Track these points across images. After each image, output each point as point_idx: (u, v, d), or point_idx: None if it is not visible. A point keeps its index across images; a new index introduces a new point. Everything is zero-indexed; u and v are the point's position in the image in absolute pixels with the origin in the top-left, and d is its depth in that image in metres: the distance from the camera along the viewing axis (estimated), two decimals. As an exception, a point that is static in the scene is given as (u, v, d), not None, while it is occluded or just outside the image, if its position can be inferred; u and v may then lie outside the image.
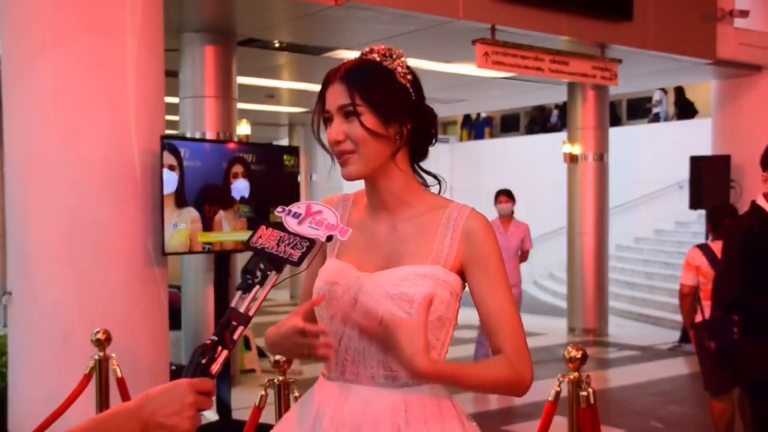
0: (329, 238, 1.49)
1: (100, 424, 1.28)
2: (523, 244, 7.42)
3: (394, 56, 1.69)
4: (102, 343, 3.88)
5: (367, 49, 1.72)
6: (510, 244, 7.23)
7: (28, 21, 4.62)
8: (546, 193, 14.45)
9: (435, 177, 1.79)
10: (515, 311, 1.68)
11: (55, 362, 4.57)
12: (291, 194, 5.49)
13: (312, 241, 1.47)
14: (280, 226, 1.49)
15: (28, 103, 4.65)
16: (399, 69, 1.68)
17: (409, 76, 1.69)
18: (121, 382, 3.88)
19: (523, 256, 7.51)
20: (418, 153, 1.76)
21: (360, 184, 1.79)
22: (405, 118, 1.67)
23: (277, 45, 8.34)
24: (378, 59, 1.68)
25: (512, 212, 7.48)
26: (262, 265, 1.43)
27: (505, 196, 7.42)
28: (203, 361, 1.36)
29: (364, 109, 1.63)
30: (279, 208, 1.52)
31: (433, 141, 1.76)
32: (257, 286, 1.42)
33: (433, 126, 1.76)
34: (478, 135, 19.76)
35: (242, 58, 7.75)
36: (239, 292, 1.42)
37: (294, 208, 1.52)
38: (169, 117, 5.45)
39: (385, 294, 1.64)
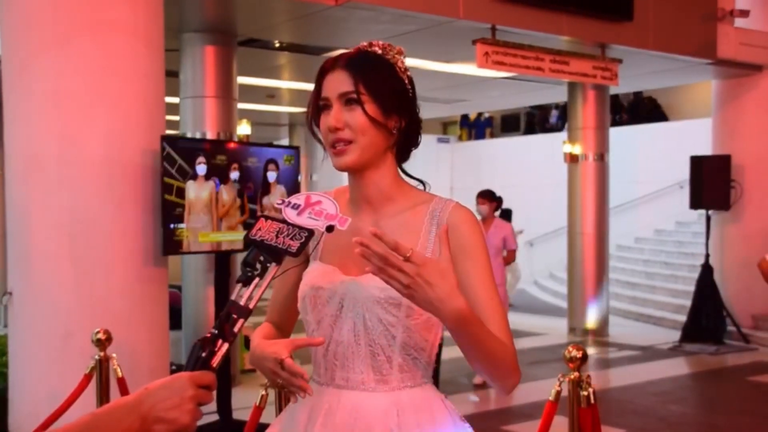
0: (329, 228, 1.48)
1: (100, 419, 1.27)
2: (506, 244, 7.36)
3: (395, 51, 1.69)
4: (102, 343, 3.87)
5: (365, 43, 1.71)
6: (490, 243, 7.19)
7: (28, 21, 4.62)
8: (546, 193, 14.43)
9: (419, 181, 1.77)
10: (502, 305, 1.64)
11: (55, 362, 4.57)
12: (291, 195, 5.50)
13: (311, 232, 1.46)
14: (280, 218, 1.49)
15: (29, 103, 4.65)
16: (399, 64, 1.69)
17: (408, 73, 1.70)
18: (121, 382, 3.88)
19: (509, 256, 7.45)
20: (403, 154, 1.75)
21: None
22: (403, 112, 1.66)
23: (277, 45, 8.34)
24: (380, 52, 1.68)
25: (494, 213, 7.43)
26: (261, 257, 1.43)
27: (482, 197, 7.39)
28: (203, 354, 1.35)
29: (367, 97, 1.61)
30: (279, 200, 1.52)
31: (417, 145, 1.75)
32: (257, 278, 1.42)
33: (420, 131, 1.75)
34: (479, 135, 19.75)
35: (242, 58, 7.75)
36: (239, 285, 1.42)
37: (293, 199, 1.52)
38: (169, 117, 5.45)
39: (372, 298, 1.62)
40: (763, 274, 5.86)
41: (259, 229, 1.46)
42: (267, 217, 1.48)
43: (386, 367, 1.64)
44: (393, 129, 1.66)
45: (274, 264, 1.43)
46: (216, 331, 1.37)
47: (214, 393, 1.37)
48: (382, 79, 1.63)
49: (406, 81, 1.68)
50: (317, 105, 1.68)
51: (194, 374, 1.32)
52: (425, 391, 1.68)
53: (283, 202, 1.52)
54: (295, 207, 1.50)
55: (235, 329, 1.38)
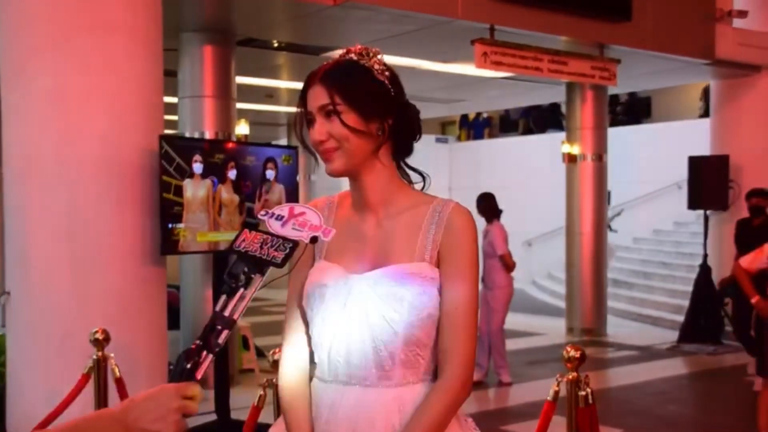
0: (313, 240, 1.49)
1: (84, 427, 1.28)
2: (492, 248, 7.13)
3: (371, 54, 1.71)
4: (100, 343, 3.87)
5: (343, 51, 1.74)
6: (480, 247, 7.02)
7: (26, 20, 4.62)
8: (545, 193, 14.44)
9: (420, 173, 1.79)
10: (468, 310, 1.67)
11: (53, 362, 4.57)
12: (290, 194, 5.50)
13: (295, 243, 1.47)
14: (263, 229, 1.50)
15: (27, 102, 4.65)
16: (376, 66, 1.71)
17: (386, 73, 1.71)
18: (119, 382, 3.88)
19: (503, 262, 7.16)
20: (402, 149, 1.77)
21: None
22: (385, 114, 1.69)
23: (276, 45, 8.34)
24: (355, 59, 1.71)
25: (492, 217, 7.29)
26: (245, 268, 1.43)
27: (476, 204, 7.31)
28: (188, 365, 1.36)
29: (344, 107, 1.65)
30: (262, 211, 1.53)
31: (417, 137, 1.77)
32: (241, 289, 1.42)
33: (417, 123, 1.77)
34: (477, 135, 19.75)
35: (241, 58, 7.75)
36: (224, 296, 1.42)
37: (277, 210, 1.52)
38: (168, 117, 5.45)
39: (375, 295, 1.65)
40: (737, 279, 5.73)
41: (243, 239, 1.46)
42: (251, 228, 1.48)
43: (389, 363, 1.67)
44: (377, 132, 1.69)
45: (258, 275, 1.44)
46: (201, 343, 1.38)
47: (204, 402, 1.37)
48: (358, 86, 1.67)
49: (386, 82, 1.70)
50: (305, 118, 1.72)
51: (179, 386, 1.33)
52: (428, 387, 1.70)
53: (267, 213, 1.52)
54: (279, 218, 1.51)
55: (220, 340, 1.39)
